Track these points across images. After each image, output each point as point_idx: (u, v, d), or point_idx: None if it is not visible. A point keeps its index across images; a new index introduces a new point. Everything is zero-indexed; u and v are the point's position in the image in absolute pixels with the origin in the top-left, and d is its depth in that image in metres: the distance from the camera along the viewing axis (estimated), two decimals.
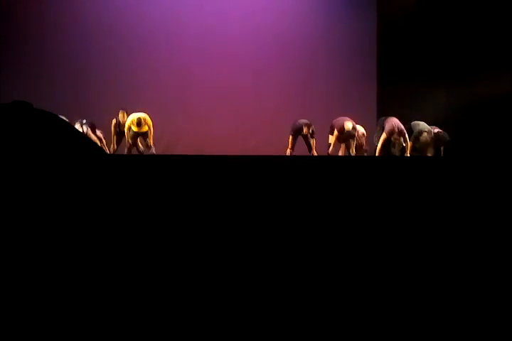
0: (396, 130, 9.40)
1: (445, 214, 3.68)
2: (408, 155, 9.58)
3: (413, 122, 9.78)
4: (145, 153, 9.93)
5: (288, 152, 9.90)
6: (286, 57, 12.07)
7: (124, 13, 11.90)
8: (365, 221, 3.54)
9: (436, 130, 9.83)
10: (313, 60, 12.13)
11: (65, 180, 1.89)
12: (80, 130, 9.47)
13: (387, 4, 11.90)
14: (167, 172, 4.25)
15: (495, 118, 10.36)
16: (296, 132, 9.91)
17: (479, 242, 3.25)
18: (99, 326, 1.88)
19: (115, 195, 2.04)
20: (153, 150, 9.94)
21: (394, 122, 9.46)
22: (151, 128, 9.72)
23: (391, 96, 11.37)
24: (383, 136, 9.46)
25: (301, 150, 10.03)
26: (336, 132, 9.69)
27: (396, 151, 9.49)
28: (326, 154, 9.91)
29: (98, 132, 9.77)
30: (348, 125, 9.61)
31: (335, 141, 9.79)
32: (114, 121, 9.87)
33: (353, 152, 9.89)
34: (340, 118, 9.77)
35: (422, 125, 9.73)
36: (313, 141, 9.97)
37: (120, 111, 9.80)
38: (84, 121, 9.53)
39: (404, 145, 9.56)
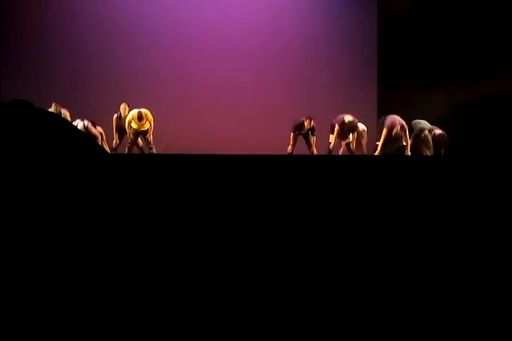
0: (397, 124, 9.48)
1: (445, 213, 3.69)
2: (409, 152, 9.62)
3: (414, 121, 9.85)
4: (145, 152, 9.95)
5: (289, 149, 9.99)
6: (287, 56, 12.06)
7: (124, 12, 11.90)
8: (365, 220, 3.54)
9: (438, 131, 9.87)
10: (313, 59, 12.12)
11: (65, 179, 1.90)
12: (81, 124, 9.49)
13: (388, 4, 11.90)
14: (167, 171, 4.26)
15: (495, 118, 10.36)
16: (297, 128, 10.01)
17: (479, 241, 3.25)
18: (99, 326, 1.88)
19: (116, 194, 2.04)
20: (154, 150, 9.96)
21: (395, 118, 9.55)
22: (152, 124, 9.77)
23: (392, 95, 11.38)
24: (384, 130, 9.54)
25: (303, 147, 10.12)
26: (336, 127, 9.77)
27: (397, 146, 9.53)
28: (327, 150, 9.98)
29: (98, 128, 9.79)
30: (348, 117, 9.73)
31: (336, 136, 9.84)
32: (115, 115, 9.93)
33: (353, 147, 9.94)
34: (340, 115, 9.88)
35: (423, 123, 9.78)
36: (313, 139, 10.04)
37: (122, 104, 9.86)
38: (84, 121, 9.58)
39: (404, 143, 9.60)
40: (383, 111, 10.70)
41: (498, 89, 10.34)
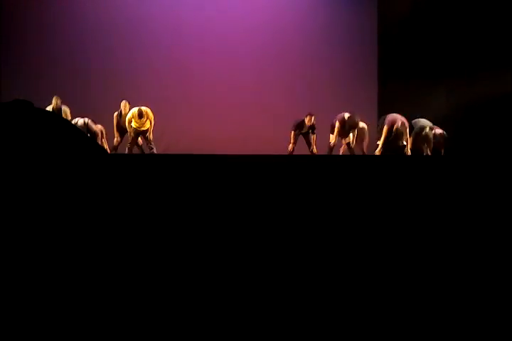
0: (398, 120, 9.56)
1: (446, 212, 3.69)
2: (409, 151, 9.67)
3: (414, 120, 9.89)
4: (146, 152, 9.96)
5: (290, 147, 10.05)
6: (287, 56, 12.06)
7: (124, 12, 11.90)
8: (366, 220, 3.54)
9: (438, 131, 9.92)
10: (313, 59, 12.12)
11: (65, 179, 1.90)
12: (81, 121, 9.49)
13: (388, 3, 11.90)
14: (168, 171, 4.26)
15: (495, 117, 10.37)
16: (298, 127, 10.06)
17: (480, 241, 3.25)
18: (99, 326, 1.88)
19: (116, 194, 2.04)
20: (155, 150, 9.97)
21: (396, 115, 9.64)
22: (152, 122, 9.81)
23: (392, 95, 11.38)
24: (385, 127, 9.62)
25: (304, 146, 10.17)
26: (337, 124, 9.83)
27: (398, 144, 9.58)
28: (328, 149, 9.99)
29: (99, 125, 9.80)
30: (348, 114, 9.83)
31: (336, 134, 9.87)
32: (116, 113, 9.97)
33: (353, 144, 9.96)
34: (340, 114, 9.94)
35: (423, 122, 9.85)
36: (313, 138, 10.08)
37: (122, 101, 9.91)
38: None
39: (405, 143, 9.64)
40: (383, 111, 10.70)
41: (498, 89, 10.35)
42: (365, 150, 10.26)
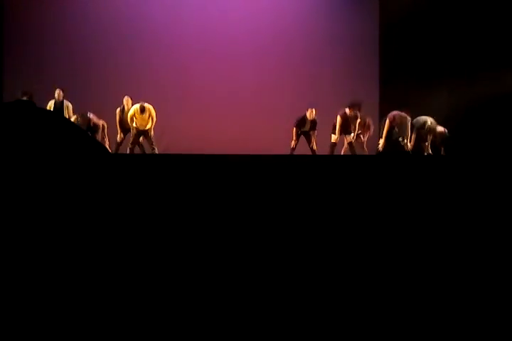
0: (399, 114, 9.65)
1: (447, 212, 3.70)
2: (409, 145, 9.72)
3: (414, 119, 9.95)
4: (147, 152, 9.98)
5: (292, 144, 10.12)
6: (288, 56, 12.06)
7: (125, 12, 11.90)
8: (366, 219, 3.55)
9: (440, 129, 9.98)
10: (315, 59, 12.12)
11: (67, 179, 1.91)
12: (84, 115, 9.50)
13: (389, 3, 11.89)
14: (168, 171, 4.27)
15: (496, 117, 10.37)
16: (300, 123, 10.11)
17: (480, 240, 3.26)
18: (99, 325, 1.90)
19: (118, 193, 2.06)
20: (156, 150, 9.99)
21: (397, 111, 9.73)
22: (154, 119, 9.89)
23: (393, 95, 11.37)
24: (387, 121, 9.69)
25: (306, 142, 10.23)
26: (339, 118, 9.87)
27: (401, 137, 9.65)
28: (329, 147, 10.02)
29: (101, 121, 9.83)
30: (348, 109, 9.92)
31: (339, 129, 9.91)
32: (118, 108, 10.04)
33: (353, 139, 10.00)
34: (341, 111, 10.03)
35: (424, 118, 9.92)
36: (314, 135, 10.12)
37: (125, 97, 10.00)
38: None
39: (405, 140, 9.72)
40: (385, 111, 10.70)
41: (498, 89, 10.35)
42: (365, 146, 10.30)
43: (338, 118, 9.94)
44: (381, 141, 9.82)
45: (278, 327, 2.39)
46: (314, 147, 10.11)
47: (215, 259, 2.91)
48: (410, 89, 10.90)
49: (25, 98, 9.44)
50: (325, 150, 10.10)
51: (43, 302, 1.78)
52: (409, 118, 9.77)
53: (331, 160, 7.86)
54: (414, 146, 9.91)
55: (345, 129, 9.99)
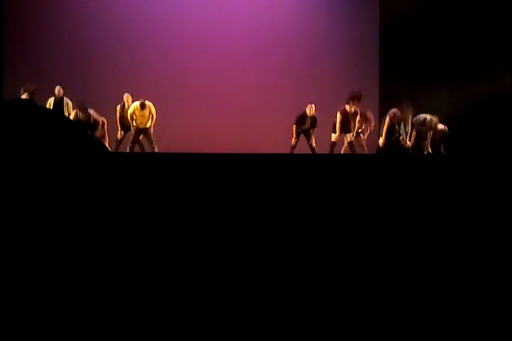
0: (399, 111, 9.68)
1: (446, 211, 3.70)
2: (408, 142, 9.75)
3: (415, 117, 9.98)
4: (147, 151, 9.99)
5: (293, 141, 10.13)
6: (288, 55, 12.06)
7: (125, 11, 11.89)
8: (366, 218, 3.55)
9: (440, 126, 10.03)
10: (315, 58, 12.11)
11: (67, 178, 1.91)
12: (86, 111, 9.51)
13: (390, 3, 11.89)
14: (168, 170, 4.27)
15: (496, 117, 10.38)
16: (300, 120, 10.13)
17: (480, 238, 3.26)
18: (99, 325, 1.89)
19: (117, 192, 2.06)
20: (156, 149, 9.99)
21: (396, 109, 9.76)
22: (154, 116, 9.93)
23: (393, 95, 11.37)
24: (387, 119, 9.73)
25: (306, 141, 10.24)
26: (338, 116, 9.88)
27: (401, 133, 9.70)
28: (330, 146, 10.04)
29: (102, 118, 9.85)
30: (348, 106, 9.95)
31: (339, 125, 9.92)
32: (118, 106, 10.08)
33: (353, 136, 10.01)
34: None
35: (424, 115, 9.97)
36: (313, 132, 10.13)
37: (125, 94, 10.04)
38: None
39: (405, 137, 9.76)
40: (385, 110, 10.70)
41: (499, 88, 10.35)
42: (365, 145, 10.32)
43: (338, 115, 9.96)
44: (381, 138, 9.84)
45: (278, 327, 2.39)
46: (314, 144, 10.12)
47: (215, 258, 2.91)
48: (410, 89, 10.89)
49: (25, 95, 9.46)
50: (325, 150, 10.10)
51: (44, 302, 1.78)
52: (409, 115, 9.79)
53: (331, 159, 7.86)
54: (414, 143, 9.96)
55: (346, 126, 9.99)
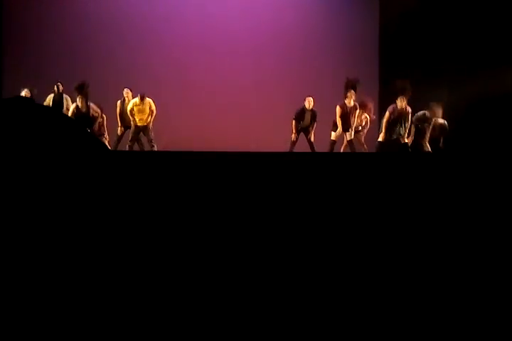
0: (398, 107, 9.70)
1: (446, 209, 3.69)
2: (406, 139, 9.77)
3: (415, 115, 10.03)
4: (147, 149, 9.99)
5: (293, 137, 10.10)
6: (288, 54, 12.06)
7: (125, 10, 11.89)
8: (364, 216, 3.54)
9: (439, 120, 10.06)
10: (314, 57, 12.12)
11: (65, 175, 1.90)
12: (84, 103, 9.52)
13: (390, 1, 11.88)
14: (168, 168, 4.27)
15: (496, 116, 10.39)
16: (299, 114, 10.12)
17: (480, 238, 3.25)
18: (99, 325, 1.89)
19: (117, 190, 2.05)
20: (156, 147, 10.00)
21: (395, 104, 9.80)
22: (154, 112, 9.94)
23: (393, 94, 11.36)
24: (386, 114, 9.79)
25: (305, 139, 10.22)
26: (338, 110, 9.88)
27: (401, 129, 9.72)
28: (329, 144, 10.04)
29: (99, 111, 9.87)
30: (347, 99, 9.93)
31: (340, 121, 9.91)
32: (119, 101, 10.10)
33: (352, 131, 10.01)
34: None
35: (423, 111, 10.01)
36: (313, 127, 10.11)
37: (124, 89, 10.10)
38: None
39: (404, 132, 9.79)
40: (385, 110, 10.70)
41: (499, 87, 10.37)
42: (363, 141, 10.33)
43: (338, 108, 9.95)
44: (381, 134, 9.86)
45: (278, 327, 2.38)
46: (312, 139, 10.12)
47: (214, 256, 2.90)
48: (410, 88, 10.89)
49: (25, 93, 9.47)
50: (324, 147, 10.10)
51: (44, 301, 1.77)
52: (409, 110, 9.81)
53: (331, 157, 7.85)
54: (414, 138, 10.00)
55: (346, 121, 9.98)
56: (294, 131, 10.13)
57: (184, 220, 3.27)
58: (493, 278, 2.80)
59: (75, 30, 11.67)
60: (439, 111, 10.04)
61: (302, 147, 10.16)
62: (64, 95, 9.79)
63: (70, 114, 9.36)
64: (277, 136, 10.52)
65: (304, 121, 10.14)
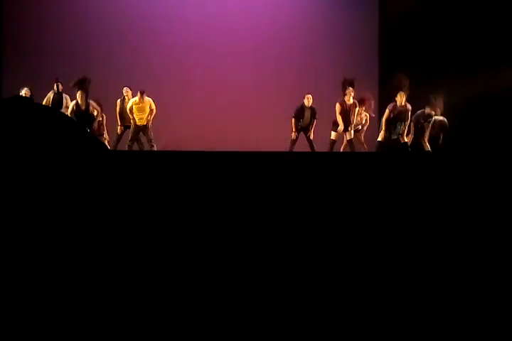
0: (398, 105, 9.70)
1: (446, 209, 3.69)
2: (405, 138, 9.77)
3: (415, 114, 10.06)
4: (146, 149, 9.99)
5: (293, 135, 10.09)
6: (288, 54, 12.07)
7: (125, 10, 11.89)
8: (364, 216, 3.54)
9: (438, 118, 10.07)
10: (314, 57, 12.12)
11: (65, 175, 1.90)
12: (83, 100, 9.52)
13: (390, 1, 11.89)
14: (167, 168, 4.26)
15: (496, 115, 10.39)
16: (299, 112, 10.11)
17: (481, 237, 3.25)
18: (99, 325, 1.89)
19: (116, 190, 2.05)
20: (155, 147, 9.99)
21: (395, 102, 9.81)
22: (154, 111, 9.95)
23: (393, 94, 11.36)
24: (386, 112, 9.82)
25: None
26: (337, 107, 9.88)
27: (401, 127, 9.74)
28: (329, 144, 10.03)
29: (100, 111, 9.88)
30: (346, 96, 9.93)
31: (340, 117, 9.92)
32: (119, 100, 10.11)
33: (353, 129, 10.01)
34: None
35: (420, 110, 10.02)
36: (313, 124, 10.11)
37: (124, 88, 10.13)
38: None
39: (404, 130, 9.81)
40: (384, 110, 10.70)
41: (499, 87, 10.37)
42: (363, 140, 10.34)
43: (337, 106, 9.96)
44: (382, 131, 9.87)
45: (277, 326, 2.38)
46: (311, 137, 10.11)
47: (215, 256, 2.90)
48: (410, 89, 10.89)
49: (25, 92, 9.47)
50: (324, 147, 10.10)
51: (44, 301, 1.77)
52: (409, 107, 9.83)
53: (331, 157, 7.85)
54: (414, 137, 10.02)
55: (345, 118, 9.99)
56: (293, 130, 10.11)
57: (184, 220, 3.26)
58: (493, 277, 2.80)
59: (74, 29, 11.66)
60: (440, 104, 10.01)
61: (302, 145, 10.16)
62: (64, 94, 9.81)
63: (69, 111, 9.37)
64: (277, 136, 10.52)
65: (303, 118, 10.13)
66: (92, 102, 9.59)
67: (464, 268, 2.91)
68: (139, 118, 9.91)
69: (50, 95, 9.77)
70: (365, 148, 10.30)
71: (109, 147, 9.45)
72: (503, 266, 2.92)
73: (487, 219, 3.49)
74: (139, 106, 9.87)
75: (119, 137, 10.11)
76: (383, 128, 9.83)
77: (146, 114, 9.91)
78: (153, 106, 9.95)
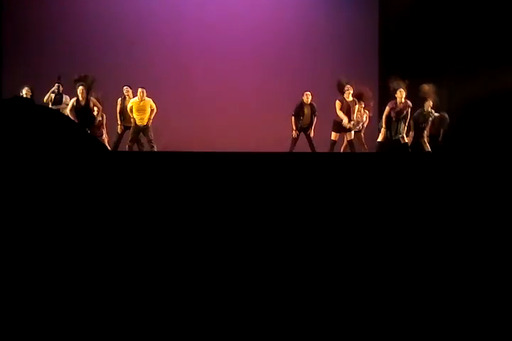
0: (398, 103, 9.70)
1: (445, 209, 3.69)
2: (405, 137, 9.78)
3: (413, 115, 10.07)
4: (147, 150, 9.99)
5: (294, 134, 10.07)
6: (288, 54, 12.07)
7: (125, 10, 11.89)
8: (364, 216, 3.54)
9: (438, 114, 10.11)
10: (314, 57, 12.12)
11: (65, 176, 1.89)
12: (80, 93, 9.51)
13: (389, 1, 11.89)
14: (167, 168, 4.26)
15: (497, 115, 10.39)
16: (299, 109, 10.10)
17: (482, 237, 3.25)
18: (99, 325, 1.88)
19: (116, 191, 2.04)
20: (155, 148, 9.99)
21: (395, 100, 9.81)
22: (155, 110, 9.95)
23: (393, 94, 11.36)
24: (387, 109, 9.85)
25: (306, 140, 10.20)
26: (338, 104, 9.89)
27: (401, 125, 9.75)
28: (330, 144, 10.03)
29: (101, 109, 9.87)
30: (345, 94, 9.95)
31: (341, 112, 9.91)
32: (119, 99, 10.11)
33: (352, 126, 10.00)
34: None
35: (418, 111, 10.03)
36: (313, 122, 10.09)
37: (124, 87, 10.11)
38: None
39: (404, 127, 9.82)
40: (384, 110, 10.70)
41: (499, 86, 10.37)
42: (363, 140, 10.33)
43: (337, 103, 9.96)
44: (382, 129, 9.87)
45: (277, 326, 2.38)
46: (312, 135, 10.09)
47: (215, 256, 2.90)
48: (410, 88, 10.90)
49: (25, 91, 9.47)
50: (324, 148, 10.09)
51: (44, 301, 1.77)
52: (409, 104, 9.82)
53: (331, 157, 7.85)
54: (414, 136, 10.02)
55: (346, 114, 9.99)
56: (294, 128, 10.08)
57: (184, 221, 3.26)
58: (493, 277, 2.80)
59: (74, 29, 11.66)
60: (431, 91, 9.98)
61: (302, 145, 10.15)
62: (64, 95, 9.81)
63: (69, 107, 9.38)
64: (277, 135, 10.51)
65: (303, 116, 10.09)
66: (93, 99, 9.59)
67: (464, 268, 2.91)
68: (140, 119, 9.90)
69: (51, 95, 9.77)
70: (365, 148, 10.28)
71: (108, 147, 9.44)
72: (503, 266, 2.92)
73: (487, 220, 3.49)
74: (139, 107, 9.86)
75: (120, 137, 10.10)
76: (383, 126, 9.81)
77: (147, 114, 9.91)
78: (154, 106, 9.95)
